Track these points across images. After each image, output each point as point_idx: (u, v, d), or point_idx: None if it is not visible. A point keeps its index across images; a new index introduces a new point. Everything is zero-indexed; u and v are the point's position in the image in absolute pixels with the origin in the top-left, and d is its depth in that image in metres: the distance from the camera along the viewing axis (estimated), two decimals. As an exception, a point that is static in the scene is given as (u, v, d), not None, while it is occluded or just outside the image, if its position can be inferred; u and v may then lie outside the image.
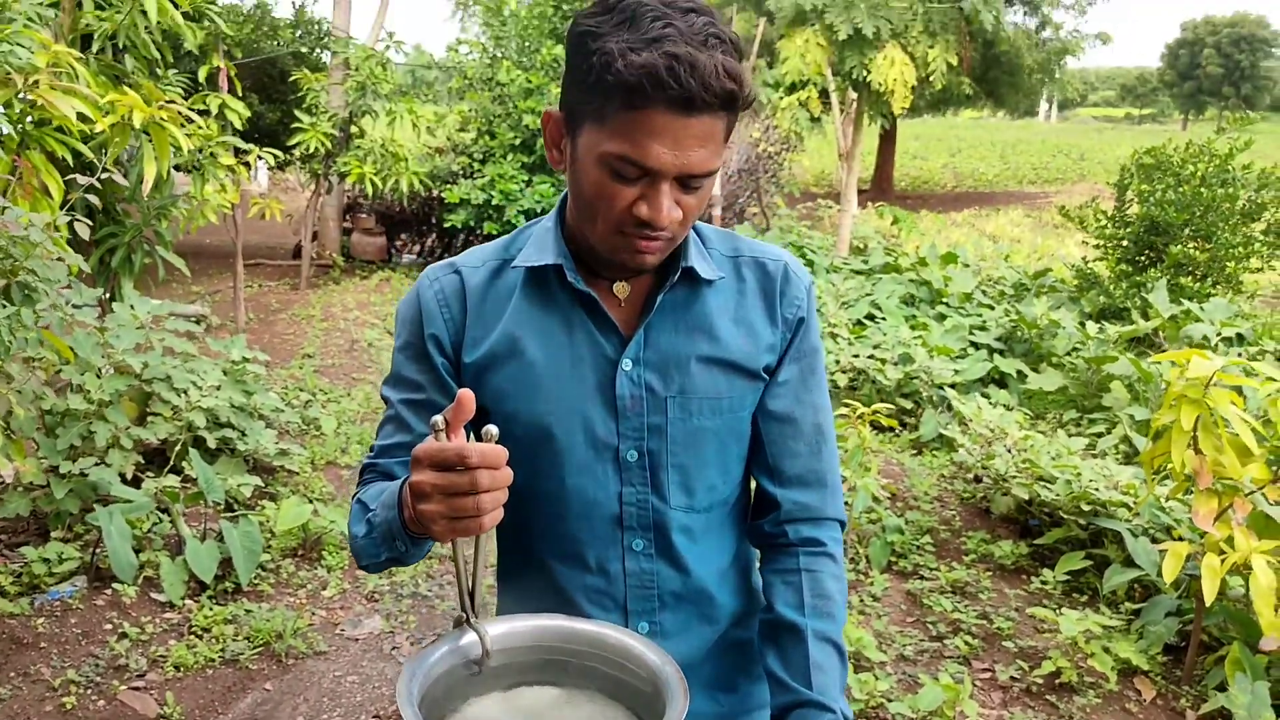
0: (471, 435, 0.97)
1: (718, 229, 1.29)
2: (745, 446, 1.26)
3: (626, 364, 1.18)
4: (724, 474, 1.24)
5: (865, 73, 8.90)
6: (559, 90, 1.15)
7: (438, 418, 0.92)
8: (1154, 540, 3.81)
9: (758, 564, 1.35)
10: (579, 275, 1.18)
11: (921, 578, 3.99)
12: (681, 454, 1.20)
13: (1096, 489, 4.05)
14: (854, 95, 10.21)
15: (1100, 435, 5.52)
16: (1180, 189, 7.67)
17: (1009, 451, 4.55)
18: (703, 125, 1.03)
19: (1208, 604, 2.96)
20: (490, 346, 1.19)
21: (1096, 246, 8.35)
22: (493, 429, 0.92)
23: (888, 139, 22.85)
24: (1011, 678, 3.30)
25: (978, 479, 4.81)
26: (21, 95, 3.64)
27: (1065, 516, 4.12)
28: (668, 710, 0.92)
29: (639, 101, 1.01)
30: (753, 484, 1.31)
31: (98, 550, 3.63)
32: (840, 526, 1.29)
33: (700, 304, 1.21)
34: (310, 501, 4.22)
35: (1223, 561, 2.90)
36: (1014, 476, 4.40)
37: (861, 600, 3.77)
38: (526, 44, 10.97)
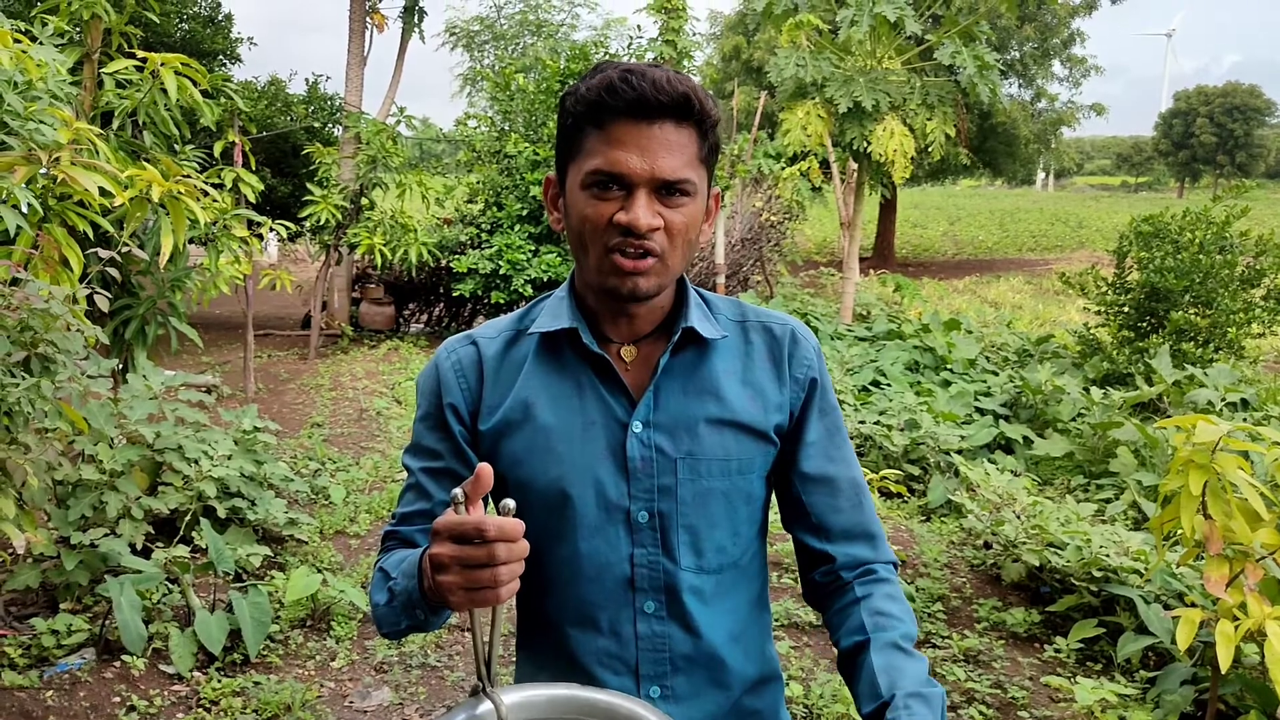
0: (490, 507, 1.00)
1: (724, 297, 1.34)
2: (756, 508, 1.28)
3: (637, 426, 1.21)
4: (733, 535, 1.26)
5: (865, 144, 9.06)
6: None
7: (457, 490, 0.95)
8: (1167, 606, 3.79)
9: (819, 612, 1.34)
10: (592, 338, 1.22)
11: (934, 646, 3.96)
12: (691, 515, 1.22)
13: (1107, 555, 4.03)
14: (854, 165, 10.39)
15: (1108, 501, 5.51)
16: (1179, 256, 7.76)
17: (1018, 517, 4.54)
18: (665, 133, 1.12)
19: (1223, 671, 2.94)
20: (504, 413, 1.23)
21: (1098, 313, 8.42)
22: (510, 503, 0.95)
23: (888, 208, 23.15)
24: (1027, 748, 3.26)
25: (987, 545, 4.80)
26: (44, 171, 3.74)
27: (1076, 583, 4.10)
28: None
29: (601, 117, 1.12)
30: (798, 543, 1.32)
31: (107, 622, 3.62)
32: (895, 568, 1.30)
33: (707, 366, 1.25)
34: (319, 571, 4.21)
35: (1236, 628, 2.88)
36: (1024, 543, 4.39)
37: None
38: (533, 118, 11.22)
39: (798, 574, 1.34)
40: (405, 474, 1.29)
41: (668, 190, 1.13)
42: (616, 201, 1.13)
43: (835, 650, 1.25)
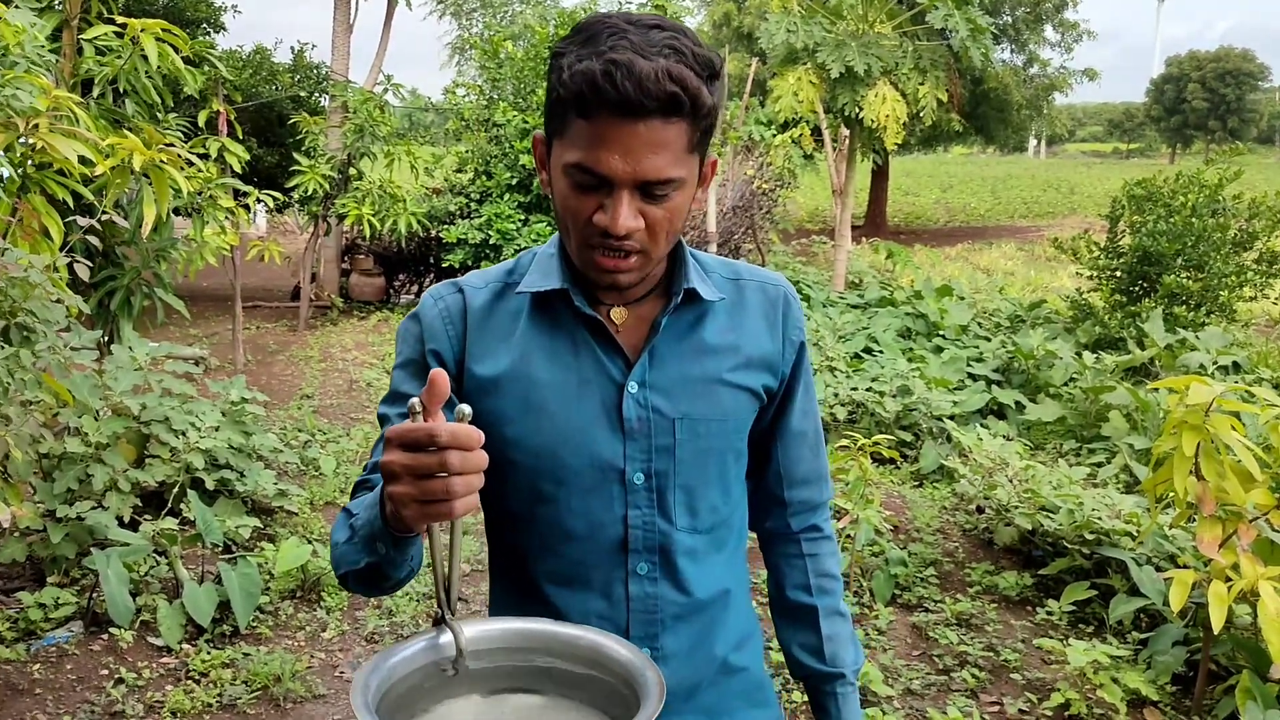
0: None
1: (716, 257, 1.31)
2: (743, 466, 1.29)
3: (633, 386, 1.19)
4: (725, 494, 1.26)
5: (857, 109, 8.98)
6: None
7: (414, 400, 0.90)
8: (1159, 569, 3.79)
9: (762, 551, 1.42)
10: (584, 300, 1.19)
11: (926, 610, 3.96)
12: (688, 475, 1.21)
13: (1099, 518, 4.03)
14: (846, 132, 10.30)
15: (1100, 465, 5.51)
16: (1172, 219, 7.73)
17: (1010, 482, 4.54)
18: (652, 132, 1.04)
19: (1215, 632, 2.94)
20: (497, 368, 1.19)
21: (1090, 278, 8.40)
22: (465, 408, 0.90)
23: (880, 175, 23.04)
24: (1020, 710, 3.27)
25: (980, 510, 4.79)
26: (23, 139, 3.67)
27: (1069, 546, 4.10)
28: (643, 707, 0.89)
29: (586, 110, 1.04)
30: (752, 490, 1.37)
31: (94, 595, 3.60)
32: (829, 507, 1.43)
33: (703, 326, 1.23)
34: (309, 542, 4.18)
35: (1229, 589, 2.88)
36: (1016, 507, 4.39)
37: (866, 634, 3.74)
38: (522, 85, 11.09)
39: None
40: (380, 425, 1.24)
41: (651, 188, 1.08)
42: (597, 198, 1.08)
43: (769, 591, 1.41)
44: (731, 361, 1.23)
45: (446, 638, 0.99)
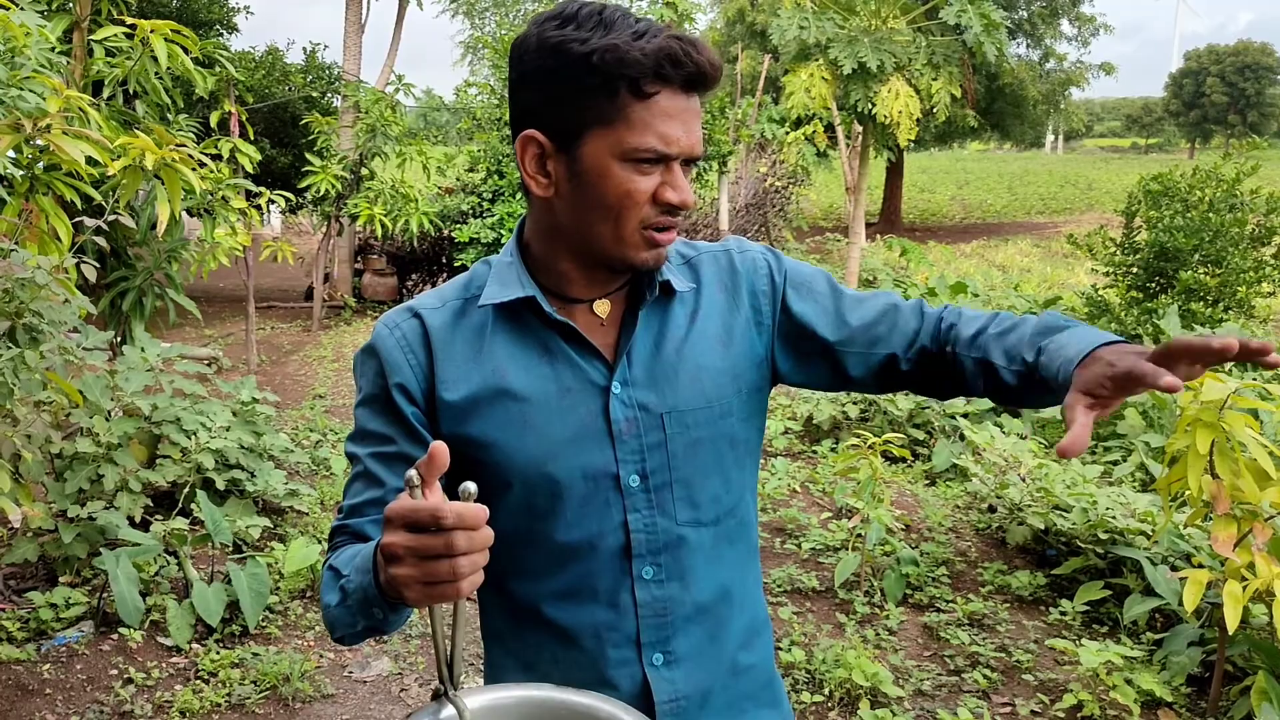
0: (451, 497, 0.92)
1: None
2: (740, 453, 1.24)
3: (616, 387, 1.16)
4: (725, 482, 1.22)
5: (870, 105, 8.93)
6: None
7: (411, 472, 0.87)
8: (1174, 568, 3.75)
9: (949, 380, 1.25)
10: (552, 307, 1.16)
11: (938, 610, 3.93)
12: (684, 468, 1.17)
13: (1113, 517, 3.99)
14: (859, 128, 10.26)
15: (1115, 463, 5.45)
16: (1189, 215, 7.65)
17: (1023, 480, 4.50)
18: (695, 105, 1.09)
19: (1231, 632, 2.90)
20: (471, 390, 1.15)
21: (1106, 274, 8.32)
22: (470, 486, 0.87)
23: (894, 172, 22.94)
24: (1033, 712, 3.23)
25: (992, 509, 4.75)
26: (31, 140, 3.68)
27: (1082, 545, 4.06)
28: None
29: (651, 87, 1.05)
30: (885, 372, 1.26)
31: (104, 594, 3.61)
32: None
33: (672, 315, 1.21)
34: (319, 542, 4.19)
35: (1245, 588, 2.84)
36: (1029, 506, 4.34)
37: (877, 634, 3.71)
38: (534, 84, 11.08)
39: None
40: (350, 464, 1.19)
41: (692, 162, 1.12)
42: (654, 175, 1.08)
43: (972, 382, 1.20)
44: (705, 345, 1.20)
45: (447, 712, 0.94)
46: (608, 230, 1.10)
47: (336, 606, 1.07)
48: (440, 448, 0.87)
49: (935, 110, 9.14)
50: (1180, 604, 3.33)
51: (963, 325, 1.22)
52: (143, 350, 4.57)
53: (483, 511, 0.87)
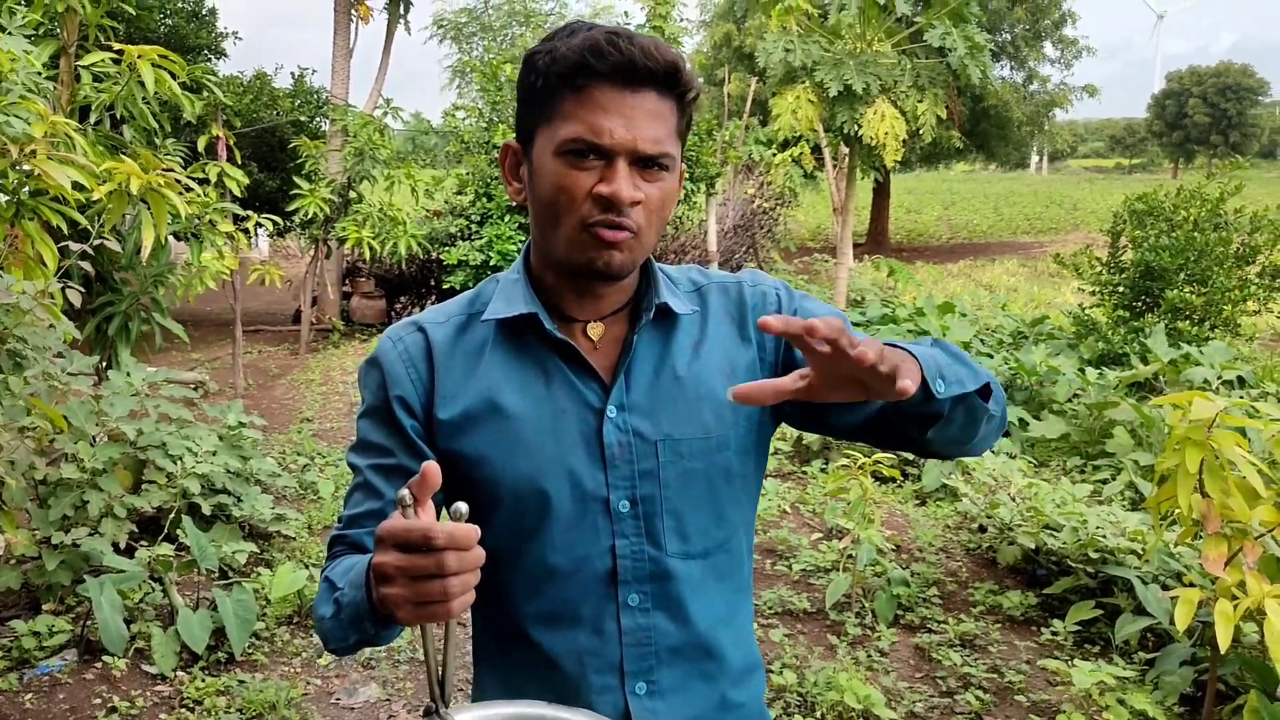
0: (443, 512, 0.92)
1: (680, 267, 1.28)
2: (736, 488, 1.21)
3: (612, 411, 1.15)
4: (716, 517, 1.19)
5: (856, 127, 8.99)
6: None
7: (404, 491, 0.87)
8: (1165, 587, 3.74)
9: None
10: (553, 324, 1.15)
11: (930, 631, 3.91)
12: (675, 498, 1.16)
13: (1104, 536, 3.98)
14: (846, 150, 10.32)
15: (1105, 482, 5.46)
16: (1174, 234, 7.71)
17: (1013, 500, 4.50)
18: (648, 101, 1.06)
19: (1222, 651, 2.89)
20: (465, 406, 1.15)
21: (1093, 293, 8.37)
22: (462, 507, 0.87)
23: (881, 193, 23.07)
24: (1025, 733, 3.22)
25: (982, 529, 4.75)
26: (17, 165, 3.66)
27: (1073, 565, 4.06)
28: None
29: (582, 79, 1.05)
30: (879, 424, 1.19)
31: (88, 622, 3.56)
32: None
33: (675, 341, 1.19)
34: (306, 567, 4.15)
35: (1236, 607, 2.83)
36: (1019, 525, 4.34)
37: (869, 655, 3.69)
38: (521, 108, 11.13)
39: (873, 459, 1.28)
40: (352, 474, 1.20)
41: (647, 163, 1.07)
42: (594, 172, 1.06)
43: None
44: (707, 375, 1.18)
45: None
46: (555, 232, 1.10)
47: (330, 619, 1.07)
48: (432, 467, 0.87)
49: (921, 132, 9.20)
50: (1172, 623, 3.32)
51: None
52: (128, 375, 4.54)
53: (474, 532, 0.87)
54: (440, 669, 0.94)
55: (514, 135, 1.17)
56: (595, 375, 1.16)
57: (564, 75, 1.05)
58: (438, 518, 0.89)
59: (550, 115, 1.08)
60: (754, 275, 1.27)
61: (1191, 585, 3.41)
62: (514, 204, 1.20)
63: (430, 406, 1.16)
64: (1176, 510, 3.03)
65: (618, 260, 1.09)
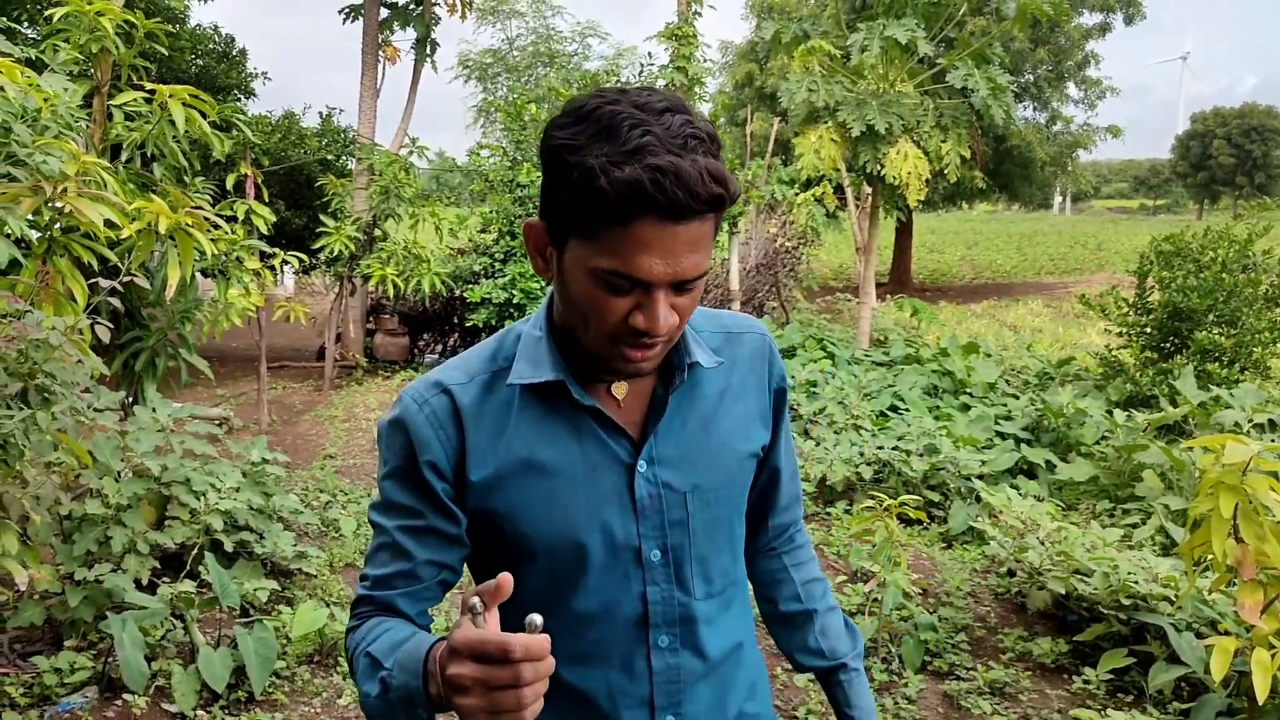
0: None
1: (701, 309, 1.29)
2: (740, 524, 1.30)
3: (641, 465, 1.18)
4: (734, 557, 1.28)
5: (879, 167, 9.00)
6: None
7: (474, 600, 0.90)
8: (1199, 635, 3.66)
9: (747, 568, 1.42)
10: (581, 390, 1.16)
11: (958, 678, 3.83)
12: (702, 545, 1.21)
13: (1136, 581, 3.91)
14: (869, 189, 10.32)
15: (1135, 526, 5.37)
16: (1201, 275, 7.64)
17: (1042, 544, 4.42)
18: (691, 231, 1.01)
19: (1260, 702, 2.81)
20: (498, 465, 1.15)
21: (1119, 334, 8.29)
22: (536, 619, 0.89)
23: (904, 232, 23.06)
24: (1057, 785, 3.13)
25: (1011, 573, 4.67)
26: (51, 202, 3.72)
27: (1105, 611, 3.97)
28: None
29: (625, 216, 0.98)
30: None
31: (110, 659, 3.55)
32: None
33: (701, 393, 1.23)
34: (327, 605, 4.13)
35: (1274, 656, 2.76)
36: (1049, 570, 4.26)
37: (896, 703, 3.62)
38: (545, 147, 11.22)
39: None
40: (374, 531, 1.19)
41: (685, 284, 1.06)
42: (630, 298, 1.04)
43: (760, 606, 1.47)
44: (732, 425, 1.24)
45: None
46: (584, 330, 1.10)
47: (377, 698, 1.07)
48: (506, 579, 0.90)
49: (945, 171, 9.20)
50: (1207, 672, 3.24)
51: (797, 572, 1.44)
52: (154, 410, 4.56)
53: (546, 642, 0.89)
54: None
55: (538, 211, 1.11)
56: (623, 431, 1.18)
57: (605, 207, 0.99)
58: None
59: (588, 233, 1.02)
60: (768, 331, 1.34)
61: (1227, 633, 3.33)
62: (544, 278, 1.16)
63: (461, 469, 1.15)
64: (1210, 556, 2.97)
65: (647, 367, 1.11)
